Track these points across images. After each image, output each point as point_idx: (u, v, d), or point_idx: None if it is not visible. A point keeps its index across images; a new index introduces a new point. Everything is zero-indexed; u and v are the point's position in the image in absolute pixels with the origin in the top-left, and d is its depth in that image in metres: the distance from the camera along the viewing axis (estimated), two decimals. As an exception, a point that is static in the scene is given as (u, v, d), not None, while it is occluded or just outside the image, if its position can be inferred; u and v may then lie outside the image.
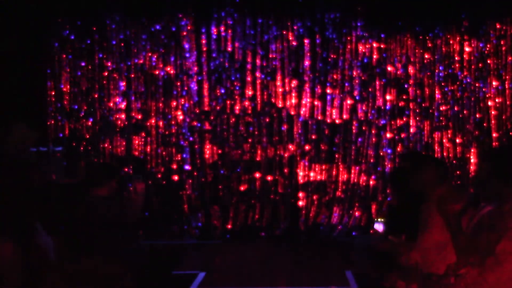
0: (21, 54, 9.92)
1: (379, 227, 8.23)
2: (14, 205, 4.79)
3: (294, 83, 11.02)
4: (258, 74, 10.98)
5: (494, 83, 10.71)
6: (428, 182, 4.98)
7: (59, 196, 5.85)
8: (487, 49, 10.73)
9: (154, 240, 10.50)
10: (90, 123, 10.81)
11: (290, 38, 10.99)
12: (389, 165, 10.91)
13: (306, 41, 10.98)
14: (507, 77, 10.70)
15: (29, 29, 10.10)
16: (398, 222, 5.39)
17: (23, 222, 4.86)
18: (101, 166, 7.74)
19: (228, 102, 10.98)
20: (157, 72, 10.91)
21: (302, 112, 11.03)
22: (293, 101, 11.03)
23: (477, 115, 10.81)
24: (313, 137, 11.03)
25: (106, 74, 10.82)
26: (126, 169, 10.64)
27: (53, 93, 10.73)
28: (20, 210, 4.84)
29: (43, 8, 10.24)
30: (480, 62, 10.78)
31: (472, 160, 10.80)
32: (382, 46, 10.99)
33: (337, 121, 11.02)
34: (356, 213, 10.96)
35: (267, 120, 11.04)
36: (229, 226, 10.96)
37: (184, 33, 10.84)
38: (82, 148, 10.76)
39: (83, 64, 10.81)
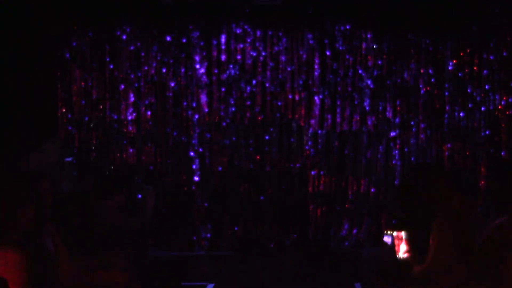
0: (31, 66, 9.98)
1: (388, 239, 8.21)
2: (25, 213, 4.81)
3: (303, 94, 11.05)
4: (268, 86, 11.01)
5: (504, 96, 10.68)
6: (439, 196, 4.94)
7: (69, 206, 5.87)
8: (497, 61, 10.71)
9: (163, 251, 10.52)
10: (100, 134, 10.84)
11: (300, 50, 11.02)
12: (398, 177, 10.89)
13: (316, 52, 11.00)
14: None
15: (40, 40, 10.16)
16: (407, 237, 5.36)
17: (30, 229, 4.87)
18: (111, 177, 7.79)
19: (238, 113, 11.00)
20: (167, 83, 10.95)
21: (311, 124, 11.04)
22: (303, 112, 11.05)
23: (487, 128, 10.77)
24: (323, 148, 11.03)
25: (117, 85, 10.86)
26: (136, 180, 10.65)
27: (64, 104, 10.76)
28: (33, 219, 4.86)
29: (54, 19, 10.30)
30: (490, 75, 10.75)
31: (482, 173, 10.76)
32: (391, 58, 10.99)
33: (346, 133, 11.03)
34: (366, 225, 10.94)
35: (277, 131, 11.05)
36: (239, 237, 10.95)
37: (195, 45, 10.88)
38: (92, 159, 10.79)
39: (93, 75, 10.85)
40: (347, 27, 10.95)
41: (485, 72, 10.78)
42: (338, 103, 11.03)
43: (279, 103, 11.04)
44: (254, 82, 11.01)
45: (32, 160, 5.30)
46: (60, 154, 5.68)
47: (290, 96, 11.05)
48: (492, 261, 3.82)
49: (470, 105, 10.87)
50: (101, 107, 10.88)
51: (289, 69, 11.04)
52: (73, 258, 5.16)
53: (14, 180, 4.93)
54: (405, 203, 5.62)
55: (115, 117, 10.88)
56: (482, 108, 10.81)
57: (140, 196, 10.35)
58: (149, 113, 10.91)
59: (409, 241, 5.27)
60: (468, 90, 10.85)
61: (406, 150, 10.99)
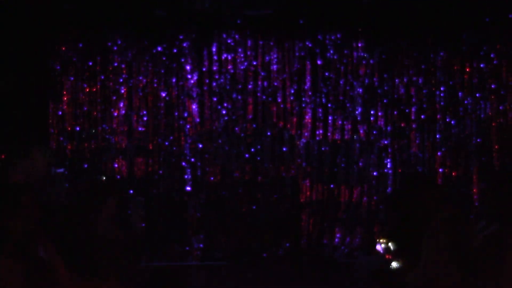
0: (22, 77, 9.95)
1: (380, 248, 8.20)
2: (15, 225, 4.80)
3: (295, 103, 11.06)
4: (259, 95, 11.02)
5: (495, 103, 10.73)
6: (430, 205, 4.96)
7: (61, 217, 5.85)
8: (488, 69, 10.75)
9: (156, 261, 10.49)
10: (92, 145, 10.81)
11: (291, 59, 11.04)
12: (390, 186, 10.90)
13: (307, 62, 11.02)
14: (507, 97, 10.73)
15: (31, 51, 10.14)
16: (398, 246, 5.37)
17: (24, 240, 4.86)
18: (102, 187, 7.76)
19: (230, 123, 11.00)
20: (158, 93, 10.94)
21: (303, 133, 11.05)
22: (295, 121, 11.06)
23: (479, 136, 10.80)
24: (315, 157, 11.04)
25: (108, 95, 10.84)
26: (127, 190, 10.63)
27: (55, 115, 10.73)
28: (22, 230, 4.84)
29: (45, 31, 10.29)
30: (481, 83, 10.79)
31: (474, 181, 10.79)
32: (383, 67, 11.02)
33: (338, 142, 11.04)
34: (358, 234, 10.94)
35: (269, 140, 11.06)
36: (231, 247, 10.93)
37: (186, 55, 10.89)
38: (83, 169, 10.75)
39: (85, 85, 10.82)
40: (338, 36, 10.98)
41: (475, 80, 10.82)
42: (329, 112, 11.05)
43: (271, 113, 11.05)
44: (245, 91, 11.02)
45: (19, 170, 5.27)
46: (49, 163, 5.65)
47: (282, 106, 11.06)
48: (485, 268, 3.82)
49: (461, 113, 10.90)
50: (92, 118, 10.84)
51: (280, 78, 11.05)
52: (67, 268, 5.14)
53: (3, 192, 4.92)
54: (396, 213, 5.63)
55: (107, 127, 10.84)
56: (473, 116, 10.85)
57: (130, 206, 10.39)
58: (140, 123, 10.89)
59: (401, 250, 5.28)
60: (459, 98, 10.88)
61: (398, 158, 11.00)
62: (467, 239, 4.50)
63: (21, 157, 5.25)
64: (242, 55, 11.01)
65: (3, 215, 4.74)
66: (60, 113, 10.74)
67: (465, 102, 10.89)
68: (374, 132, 11.02)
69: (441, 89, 10.91)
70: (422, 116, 10.96)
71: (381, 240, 6.67)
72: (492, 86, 10.74)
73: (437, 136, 10.92)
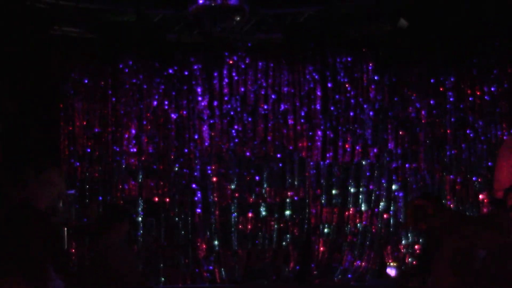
0: (34, 100, 9.99)
1: (391, 271, 8.19)
2: (28, 246, 4.84)
3: (305, 126, 11.08)
4: (270, 117, 11.05)
5: (505, 127, 10.70)
6: (440, 227, 5.00)
7: (73, 238, 5.89)
8: (499, 93, 10.73)
9: (166, 284, 10.48)
10: (102, 166, 10.82)
11: (302, 82, 11.07)
12: (400, 209, 10.88)
13: (317, 84, 11.05)
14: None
15: (43, 74, 10.18)
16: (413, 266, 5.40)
17: (36, 262, 4.89)
18: (114, 209, 7.77)
19: (240, 145, 11.02)
20: (169, 116, 10.97)
21: (313, 155, 11.06)
22: (305, 144, 11.07)
23: (489, 159, 10.77)
24: (325, 180, 11.04)
25: (119, 117, 10.88)
26: (137, 212, 10.65)
27: (66, 137, 10.75)
28: (34, 251, 4.88)
29: (57, 53, 10.33)
30: (491, 106, 10.76)
31: (484, 204, 10.74)
32: (393, 90, 11.04)
33: (348, 164, 11.04)
34: (369, 257, 10.90)
35: (279, 163, 11.07)
36: (241, 269, 10.91)
37: (197, 77, 10.94)
38: (94, 191, 10.76)
39: (96, 107, 10.86)
40: (349, 59, 11.01)
41: (486, 103, 10.80)
42: (340, 134, 11.06)
43: (281, 135, 11.07)
44: (256, 114, 11.05)
45: (42, 196, 5.29)
46: (65, 185, 5.68)
47: (292, 128, 11.08)
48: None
49: (471, 136, 10.87)
50: (103, 140, 10.87)
51: (291, 101, 11.08)
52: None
53: (26, 214, 4.97)
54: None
55: (117, 149, 10.87)
56: (483, 139, 10.82)
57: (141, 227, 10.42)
58: (151, 145, 10.92)
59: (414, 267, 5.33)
60: (470, 121, 10.86)
61: (408, 181, 10.98)
62: (475, 255, 4.55)
63: (42, 183, 5.26)
64: (252, 78, 11.04)
65: (25, 238, 4.80)
66: (71, 134, 10.76)
67: (475, 125, 10.85)
68: (384, 155, 11.01)
69: (451, 112, 10.88)
70: (432, 139, 10.94)
71: (391, 263, 6.69)
72: (502, 110, 10.71)
73: (447, 159, 10.88)
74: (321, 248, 10.99)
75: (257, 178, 11.04)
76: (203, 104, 10.98)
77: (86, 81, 10.83)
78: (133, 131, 10.92)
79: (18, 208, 5.03)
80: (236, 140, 11.03)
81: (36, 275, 4.87)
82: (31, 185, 5.21)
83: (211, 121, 11.02)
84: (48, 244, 4.92)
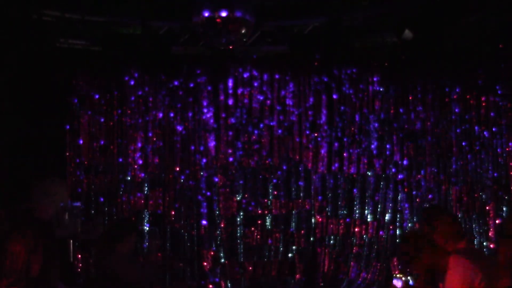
0: (40, 111, 10.01)
1: (397, 283, 8.16)
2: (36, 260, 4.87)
3: (311, 137, 11.09)
4: (275, 129, 11.06)
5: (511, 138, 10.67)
6: (446, 239, 5.01)
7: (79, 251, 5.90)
8: (505, 104, 10.70)
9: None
10: (108, 178, 10.82)
11: (307, 94, 11.09)
12: (407, 220, 10.86)
13: (323, 96, 11.07)
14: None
15: (49, 85, 10.20)
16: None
17: (45, 276, 4.92)
18: (121, 222, 7.79)
19: (245, 157, 11.03)
20: (175, 128, 10.99)
21: (319, 167, 11.06)
22: (310, 155, 11.07)
23: (495, 170, 10.74)
24: (330, 191, 11.04)
25: (125, 129, 10.89)
26: (143, 224, 10.65)
27: (72, 149, 10.76)
28: (36, 262, 4.89)
29: (63, 65, 10.35)
30: (497, 118, 10.74)
31: (491, 215, 10.71)
32: (398, 101, 11.03)
33: (354, 176, 11.04)
34: (375, 269, 10.88)
35: (284, 174, 11.07)
36: (247, 281, 10.91)
37: (202, 89, 10.96)
38: (100, 204, 10.76)
39: (101, 119, 10.87)
40: (354, 70, 11.02)
41: (492, 114, 10.77)
42: (345, 146, 11.06)
43: (287, 146, 11.07)
44: (261, 125, 11.06)
45: (46, 207, 5.30)
46: (67, 195, 5.70)
47: (297, 139, 11.09)
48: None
49: (477, 148, 10.84)
50: (109, 151, 10.88)
51: (296, 112, 11.09)
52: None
53: (28, 227, 4.98)
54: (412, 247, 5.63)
55: (123, 161, 10.87)
56: (489, 150, 10.79)
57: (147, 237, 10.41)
58: (157, 157, 10.93)
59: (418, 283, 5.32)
60: (475, 133, 10.83)
61: (414, 193, 10.95)
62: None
63: (44, 193, 5.28)
64: (258, 89, 11.06)
65: (27, 249, 4.81)
66: (77, 146, 10.77)
67: (481, 136, 10.83)
68: (390, 166, 10.99)
69: (457, 123, 10.87)
70: (438, 151, 10.92)
71: (397, 275, 6.67)
72: (508, 121, 10.67)
73: (453, 170, 10.85)
74: (327, 260, 10.98)
75: (262, 189, 11.04)
76: (208, 116, 11.00)
77: (92, 93, 10.85)
78: (139, 143, 10.93)
79: (21, 219, 5.05)
80: (242, 152, 11.04)
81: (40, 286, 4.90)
82: (34, 196, 5.24)
83: (217, 133, 11.04)
84: (50, 254, 4.93)
